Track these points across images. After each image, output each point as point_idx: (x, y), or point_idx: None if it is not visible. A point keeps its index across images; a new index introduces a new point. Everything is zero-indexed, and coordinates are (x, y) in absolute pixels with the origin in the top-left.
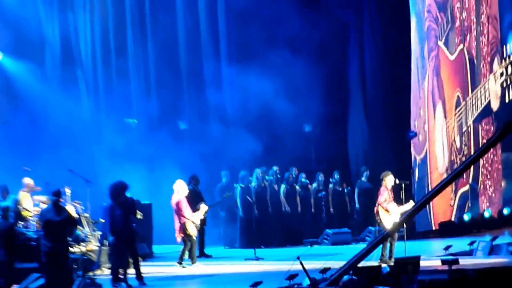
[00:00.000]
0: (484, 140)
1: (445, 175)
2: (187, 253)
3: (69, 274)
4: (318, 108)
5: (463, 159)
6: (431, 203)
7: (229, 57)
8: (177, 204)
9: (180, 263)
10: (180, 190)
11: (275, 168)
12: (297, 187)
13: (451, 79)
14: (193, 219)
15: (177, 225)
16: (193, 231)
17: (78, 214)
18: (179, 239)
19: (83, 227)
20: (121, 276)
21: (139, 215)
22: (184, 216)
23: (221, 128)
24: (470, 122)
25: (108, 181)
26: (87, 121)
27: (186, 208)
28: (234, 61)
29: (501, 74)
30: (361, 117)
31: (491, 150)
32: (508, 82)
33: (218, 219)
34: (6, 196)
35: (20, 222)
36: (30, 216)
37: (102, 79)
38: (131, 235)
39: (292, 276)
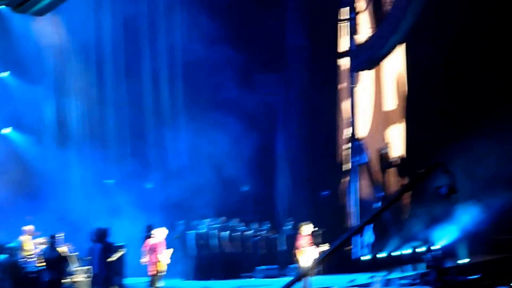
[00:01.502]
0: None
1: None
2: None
3: None
4: (254, 171)
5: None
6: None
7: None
8: (155, 246)
9: None
10: (158, 235)
11: (221, 218)
12: (238, 233)
13: None
14: (166, 259)
15: (152, 262)
16: (164, 268)
17: (69, 253)
18: (153, 272)
19: (72, 263)
20: None
21: (121, 252)
22: (159, 256)
23: (178, 186)
24: None
25: (92, 228)
26: (75, 182)
27: (161, 250)
28: (182, 121)
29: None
30: (287, 179)
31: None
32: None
33: (176, 257)
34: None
35: (23, 259)
36: (31, 255)
37: (88, 150)
38: (110, 269)
39: None
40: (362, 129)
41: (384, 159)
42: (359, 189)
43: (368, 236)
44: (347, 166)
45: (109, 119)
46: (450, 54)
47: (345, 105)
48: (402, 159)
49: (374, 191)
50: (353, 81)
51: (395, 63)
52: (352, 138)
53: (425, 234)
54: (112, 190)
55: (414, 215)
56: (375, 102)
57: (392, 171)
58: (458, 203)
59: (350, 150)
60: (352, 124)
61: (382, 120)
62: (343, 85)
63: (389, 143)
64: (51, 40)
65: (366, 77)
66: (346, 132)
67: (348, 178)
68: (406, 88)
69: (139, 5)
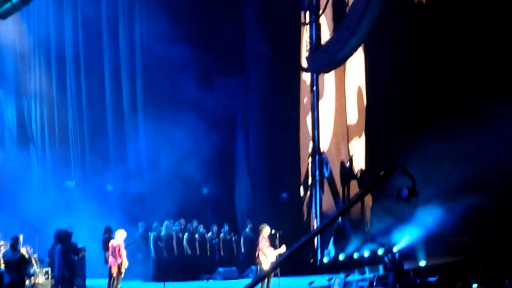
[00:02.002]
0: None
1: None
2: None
3: None
4: (213, 173)
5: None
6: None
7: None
8: (117, 247)
9: None
10: (120, 237)
11: (180, 220)
12: (197, 235)
13: None
14: (125, 263)
15: (113, 263)
16: (124, 269)
17: (29, 255)
18: (115, 274)
19: (33, 265)
20: None
21: (82, 253)
22: (121, 257)
23: (137, 187)
24: None
25: (53, 229)
26: (36, 183)
27: (122, 251)
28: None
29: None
30: (246, 182)
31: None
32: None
33: (135, 259)
34: None
35: None
36: None
37: (48, 151)
38: (71, 270)
39: None
40: (324, 142)
41: (346, 171)
42: (321, 201)
43: (328, 238)
44: (309, 177)
45: (69, 120)
46: (407, 58)
47: (307, 118)
48: (363, 171)
49: (336, 203)
50: (315, 94)
51: (356, 74)
52: (314, 151)
53: (384, 237)
54: (73, 191)
55: (373, 218)
56: (335, 116)
57: (354, 183)
58: (417, 205)
59: (311, 161)
60: (314, 136)
61: (343, 133)
62: (305, 94)
63: (351, 155)
64: (11, 41)
65: (328, 87)
66: (308, 143)
67: (309, 192)
68: (365, 100)
69: (98, 5)
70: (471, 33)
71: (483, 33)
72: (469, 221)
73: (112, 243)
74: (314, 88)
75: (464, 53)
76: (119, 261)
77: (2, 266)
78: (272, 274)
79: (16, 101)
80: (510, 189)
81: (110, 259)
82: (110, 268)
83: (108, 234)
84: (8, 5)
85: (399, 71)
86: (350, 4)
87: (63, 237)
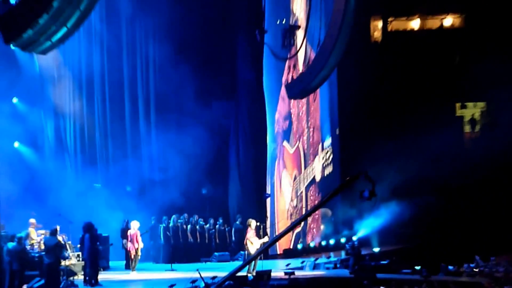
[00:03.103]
0: (311, 200)
1: (288, 222)
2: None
3: (58, 278)
4: (210, 177)
5: (298, 212)
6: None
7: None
8: (134, 235)
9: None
10: (135, 226)
11: (184, 215)
12: (197, 227)
13: (291, 164)
14: (141, 245)
15: (132, 247)
16: (140, 251)
17: (64, 242)
18: (133, 256)
19: (67, 249)
20: (93, 281)
21: (109, 244)
22: (138, 243)
23: (150, 188)
24: (302, 189)
25: (82, 222)
26: (69, 184)
27: (139, 237)
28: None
29: (322, 158)
30: (237, 185)
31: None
32: (326, 164)
33: (149, 245)
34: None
35: (28, 246)
36: (35, 243)
37: (79, 159)
38: (97, 254)
39: (193, 281)
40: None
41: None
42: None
43: (302, 229)
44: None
45: (96, 134)
46: (370, 81)
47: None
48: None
49: None
50: (289, 115)
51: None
52: None
53: (346, 228)
54: (99, 191)
55: (338, 213)
56: (310, 130)
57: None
58: (375, 203)
59: None
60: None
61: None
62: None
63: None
64: (50, 71)
65: (303, 110)
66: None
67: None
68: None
69: (120, 40)
70: (413, 67)
71: (421, 68)
72: (414, 215)
73: (130, 232)
74: (291, 110)
75: (409, 78)
76: (136, 245)
77: (43, 250)
78: (258, 258)
79: (54, 119)
80: (448, 185)
81: (129, 244)
82: (129, 251)
83: (126, 225)
84: (48, 44)
85: (364, 91)
86: (320, 43)
87: (90, 228)
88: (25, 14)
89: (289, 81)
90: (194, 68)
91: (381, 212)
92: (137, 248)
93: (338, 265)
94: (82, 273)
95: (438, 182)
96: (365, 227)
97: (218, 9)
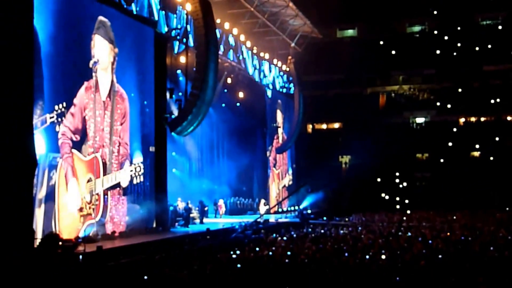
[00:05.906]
0: None
1: None
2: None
3: (189, 221)
4: (246, 180)
5: None
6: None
7: None
8: (220, 206)
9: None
10: (220, 203)
11: (234, 198)
12: (240, 202)
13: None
14: (223, 210)
15: (218, 210)
16: (223, 213)
17: (190, 206)
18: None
19: (191, 208)
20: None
21: (207, 207)
22: (220, 209)
23: (226, 184)
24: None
25: (198, 199)
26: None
27: (221, 207)
28: None
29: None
30: (258, 184)
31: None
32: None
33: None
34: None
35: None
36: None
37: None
38: (204, 213)
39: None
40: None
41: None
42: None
43: (279, 203)
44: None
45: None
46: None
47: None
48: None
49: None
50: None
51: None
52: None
53: (298, 203)
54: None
55: (296, 197)
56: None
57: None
58: (311, 193)
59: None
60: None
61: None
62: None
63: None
64: None
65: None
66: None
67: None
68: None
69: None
70: None
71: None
72: (324, 198)
73: (219, 203)
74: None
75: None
76: (220, 211)
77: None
78: (266, 214)
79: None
80: (339, 189)
81: (218, 209)
82: (218, 211)
83: (217, 201)
84: (191, 128)
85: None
86: (287, 133)
87: (201, 201)
88: (180, 121)
89: (276, 147)
90: (235, 125)
91: (312, 196)
92: (220, 212)
93: (294, 217)
94: (199, 220)
95: (334, 186)
96: (305, 202)
97: (249, 118)
